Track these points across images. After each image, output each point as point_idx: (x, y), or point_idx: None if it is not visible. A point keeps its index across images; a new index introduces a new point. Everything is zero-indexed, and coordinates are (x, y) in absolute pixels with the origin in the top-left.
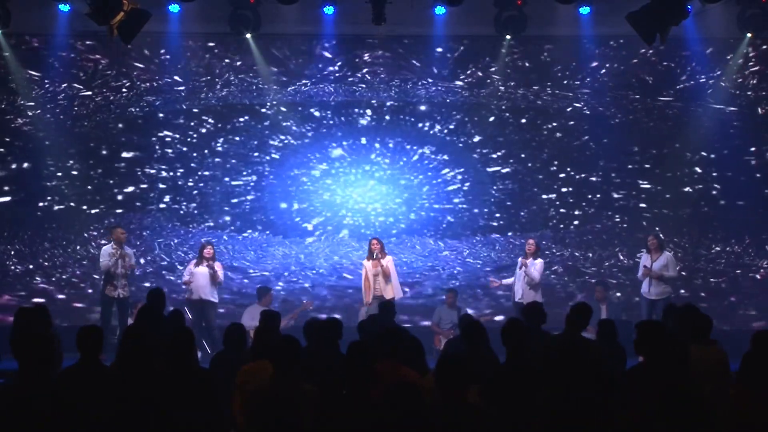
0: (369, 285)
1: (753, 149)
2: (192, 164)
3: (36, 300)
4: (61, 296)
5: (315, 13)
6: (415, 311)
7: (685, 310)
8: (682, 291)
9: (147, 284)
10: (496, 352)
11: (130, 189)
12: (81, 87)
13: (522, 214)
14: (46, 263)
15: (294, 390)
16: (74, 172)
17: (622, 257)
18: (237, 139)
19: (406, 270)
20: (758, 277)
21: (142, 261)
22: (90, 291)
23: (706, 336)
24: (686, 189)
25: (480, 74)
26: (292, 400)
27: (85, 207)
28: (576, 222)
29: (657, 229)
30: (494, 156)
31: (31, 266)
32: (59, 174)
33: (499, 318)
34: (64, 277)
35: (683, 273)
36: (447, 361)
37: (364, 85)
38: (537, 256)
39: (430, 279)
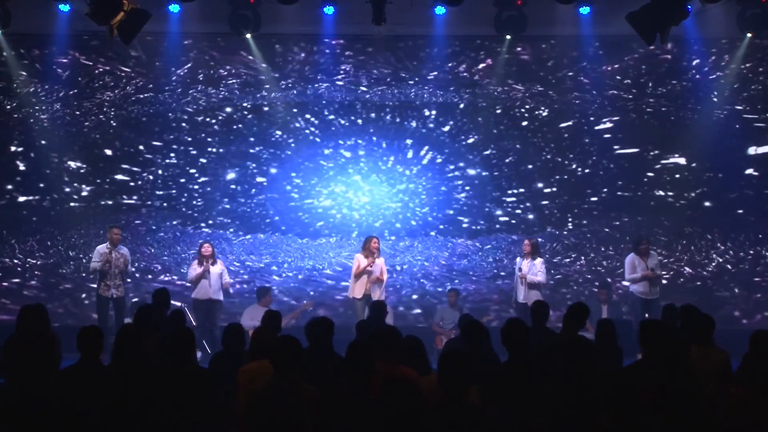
0: (362, 280)
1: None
2: (192, 164)
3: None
4: (58, 296)
5: (315, 13)
6: (415, 311)
7: (685, 310)
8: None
9: (147, 284)
10: (496, 352)
11: (131, 187)
12: (81, 87)
13: (522, 214)
14: (43, 262)
15: (294, 390)
16: (73, 172)
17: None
18: (237, 139)
19: (405, 270)
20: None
21: (152, 263)
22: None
23: (706, 336)
24: (686, 189)
25: (480, 74)
26: (292, 400)
27: (84, 206)
28: (576, 222)
29: (643, 231)
30: (494, 156)
31: (27, 265)
32: (58, 173)
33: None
34: (61, 276)
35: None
36: (449, 356)
37: (364, 85)
38: (536, 256)
39: (429, 279)
